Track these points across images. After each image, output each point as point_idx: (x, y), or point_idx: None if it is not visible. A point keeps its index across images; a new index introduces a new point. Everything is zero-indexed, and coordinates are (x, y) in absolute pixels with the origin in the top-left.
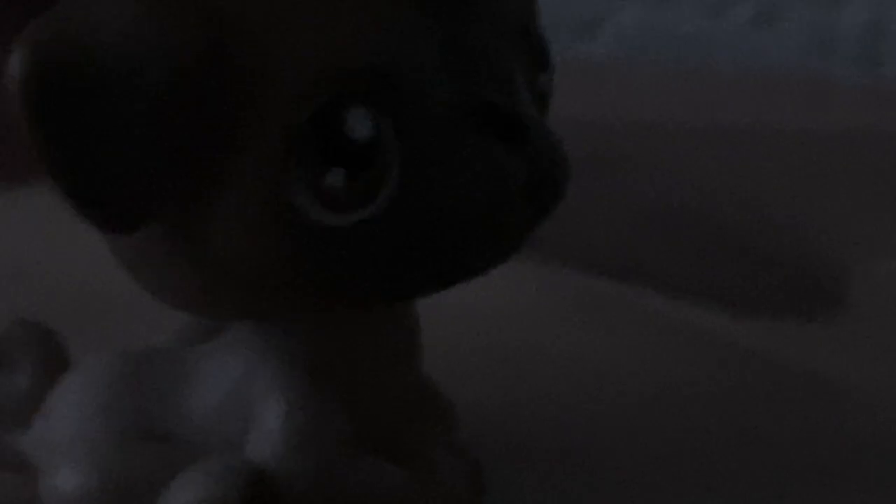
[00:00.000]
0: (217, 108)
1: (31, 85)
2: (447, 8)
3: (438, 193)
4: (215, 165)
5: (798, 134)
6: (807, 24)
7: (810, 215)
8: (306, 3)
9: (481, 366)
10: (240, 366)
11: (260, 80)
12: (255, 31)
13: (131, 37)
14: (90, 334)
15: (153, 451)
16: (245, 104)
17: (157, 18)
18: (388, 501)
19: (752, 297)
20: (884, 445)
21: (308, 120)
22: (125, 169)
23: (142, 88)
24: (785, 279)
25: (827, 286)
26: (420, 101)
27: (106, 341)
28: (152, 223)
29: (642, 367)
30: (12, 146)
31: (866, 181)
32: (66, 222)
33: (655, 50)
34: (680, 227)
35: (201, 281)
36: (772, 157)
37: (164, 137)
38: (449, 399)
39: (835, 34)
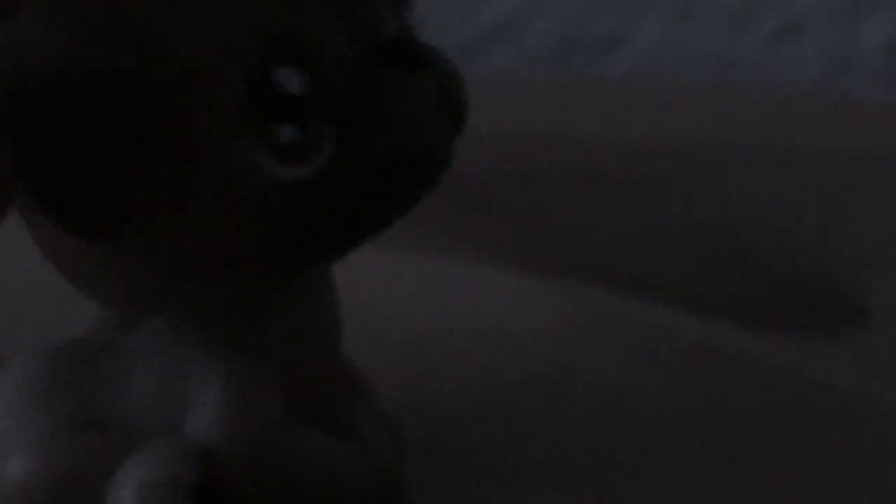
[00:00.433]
0: (160, 102)
1: None
2: None
3: (372, 128)
4: (174, 150)
5: (819, 151)
6: (828, 39)
7: (831, 232)
8: None
9: (498, 383)
10: (173, 351)
11: (191, 65)
12: (173, 23)
13: (58, 59)
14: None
15: (96, 439)
16: (184, 91)
17: (77, 41)
18: (326, 471)
19: (773, 314)
20: None
21: (246, 86)
22: (96, 176)
23: (84, 103)
24: (806, 296)
25: (848, 302)
26: (330, 55)
27: (22, 338)
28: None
29: (663, 384)
30: None
31: (888, 198)
32: None
33: (676, 67)
34: (701, 244)
35: (156, 275)
36: (793, 173)
37: (119, 141)
38: (364, 372)
39: (856, 49)
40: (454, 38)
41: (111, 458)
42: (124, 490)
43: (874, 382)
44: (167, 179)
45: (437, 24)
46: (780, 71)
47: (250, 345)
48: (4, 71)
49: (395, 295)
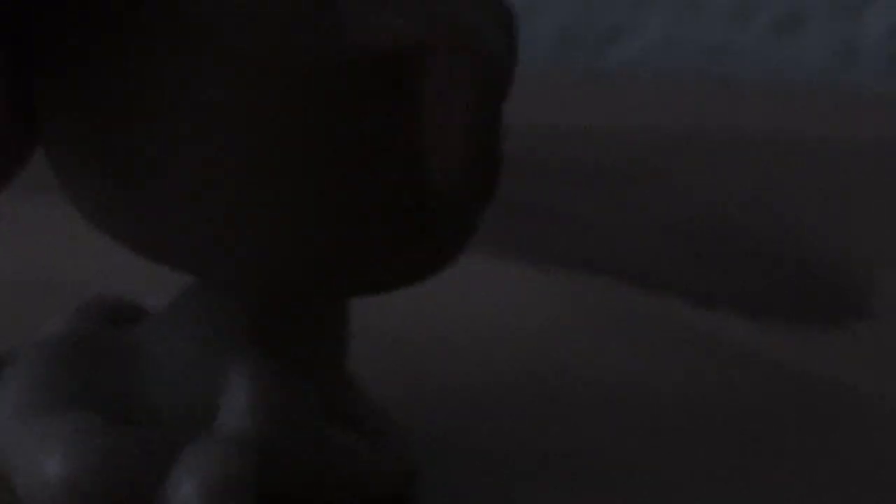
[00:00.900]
0: None
1: None
2: None
3: None
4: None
5: (822, 143)
6: (830, 30)
7: (834, 224)
8: None
9: (501, 377)
10: (196, 341)
11: None
12: None
13: None
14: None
15: (142, 433)
16: None
17: None
18: (356, 471)
19: (775, 307)
20: None
21: None
22: None
23: None
24: (809, 288)
25: (851, 295)
26: None
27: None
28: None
29: (666, 377)
30: None
31: (890, 190)
32: None
33: (678, 60)
34: (703, 237)
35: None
36: (796, 166)
37: None
38: (357, 370)
39: (859, 41)
40: None
41: (161, 453)
42: (187, 488)
43: (877, 376)
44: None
45: None
46: (782, 63)
47: (280, 339)
48: None
49: (399, 291)
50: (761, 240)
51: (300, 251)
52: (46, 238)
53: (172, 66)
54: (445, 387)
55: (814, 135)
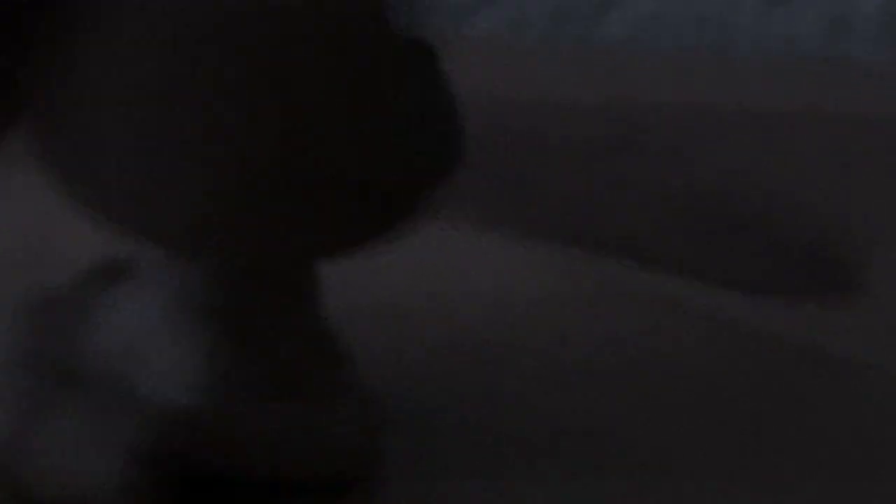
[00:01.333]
0: None
1: None
2: None
3: None
4: None
5: (818, 117)
6: (825, 3)
7: (830, 199)
8: None
9: (502, 348)
10: (152, 310)
11: None
12: None
13: None
14: None
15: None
16: None
17: None
18: (292, 441)
19: (772, 281)
20: None
21: None
22: None
23: None
24: (805, 263)
25: (847, 269)
26: None
27: None
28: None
29: (663, 350)
30: None
31: (887, 164)
32: None
33: (672, 32)
34: (700, 211)
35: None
36: (792, 140)
37: None
38: (348, 345)
39: (853, 13)
40: (446, 1)
41: (81, 420)
42: (106, 459)
43: (874, 349)
44: None
45: None
46: (777, 35)
47: (231, 310)
48: None
49: (392, 262)
50: (755, 214)
51: (251, 215)
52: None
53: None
54: (435, 358)
55: (809, 108)
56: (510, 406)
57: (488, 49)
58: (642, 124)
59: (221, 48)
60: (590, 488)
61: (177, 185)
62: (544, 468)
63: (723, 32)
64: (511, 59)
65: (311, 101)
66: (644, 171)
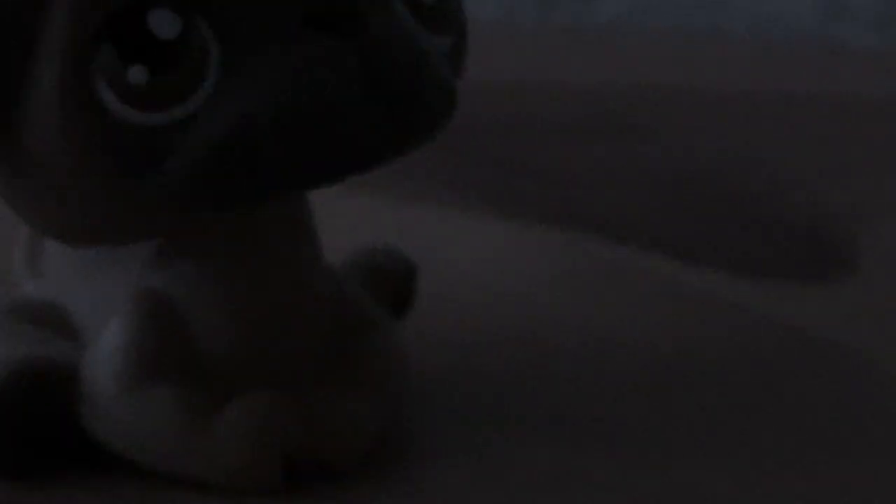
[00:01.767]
0: (14, 22)
1: None
2: None
3: (260, 91)
4: (22, 67)
5: (809, 99)
6: None
7: (821, 179)
8: None
9: (489, 331)
10: (120, 284)
11: None
12: None
13: None
14: None
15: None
16: (40, 15)
17: None
18: (162, 442)
19: (760, 262)
20: (890, 406)
21: (106, 22)
22: None
23: None
24: (795, 243)
25: (837, 250)
26: (219, 6)
27: None
28: None
29: (652, 331)
30: None
31: (875, 145)
32: None
33: (665, 14)
34: (689, 192)
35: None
36: (783, 121)
37: None
38: (376, 314)
39: None
40: None
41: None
42: None
43: (862, 328)
44: (7, 89)
45: None
46: (771, 17)
47: (195, 293)
48: None
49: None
50: (745, 194)
51: None
52: None
53: None
54: (426, 340)
55: (801, 90)
56: (501, 389)
57: (478, 33)
58: (634, 106)
59: None
60: (582, 470)
61: None
62: (535, 442)
63: (715, 14)
64: (501, 40)
65: None
66: (636, 152)
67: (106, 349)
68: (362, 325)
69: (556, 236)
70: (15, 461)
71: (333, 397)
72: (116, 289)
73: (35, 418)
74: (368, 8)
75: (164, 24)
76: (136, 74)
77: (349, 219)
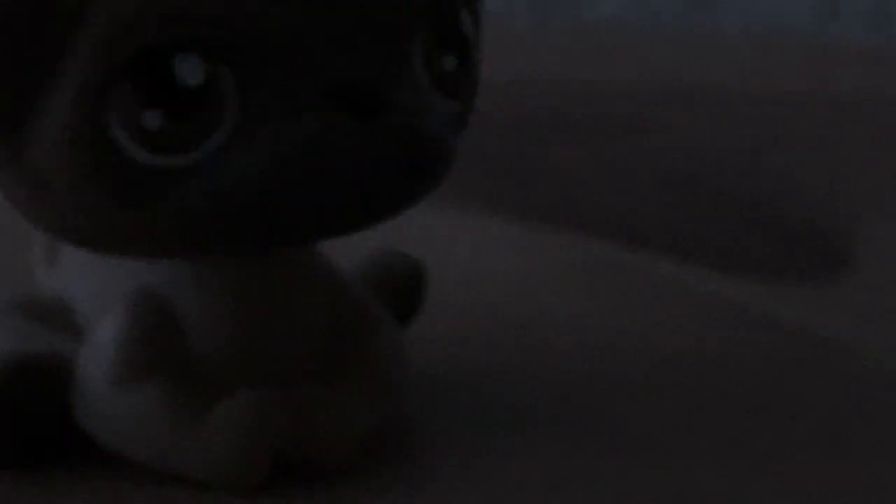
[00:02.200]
0: (38, 44)
1: None
2: None
3: (269, 153)
4: (39, 95)
5: (806, 97)
6: None
7: (816, 178)
8: None
9: (490, 330)
10: (119, 279)
11: (80, 20)
12: None
13: None
14: None
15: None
16: (66, 41)
17: None
18: (151, 437)
19: (759, 260)
20: (889, 405)
21: (131, 60)
22: None
23: None
24: (791, 242)
25: (833, 248)
26: (265, 57)
27: None
28: None
29: (651, 331)
30: None
31: (872, 144)
32: None
33: (661, 12)
34: (687, 190)
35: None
36: (778, 120)
37: None
38: (377, 314)
39: None
40: None
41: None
42: None
43: (858, 327)
44: (22, 112)
45: None
46: (767, 16)
47: (198, 294)
48: None
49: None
50: (745, 194)
51: None
52: None
53: None
54: (426, 340)
55: (797, 88)
56: (501, 389)
57: None
58: (631, 104)
59: None
60: (582, 470)
61: None
62: (532, 439)
63: (711, 13)
64: (500, 38)
65: None
66: (633, 150)
67: (98, 345)
68: (362, 325)
69: (556, 236)
70: (8, 455)
71: (325, 395)
72: (116, 284)
73: (29, 413)
74: (390, 84)
75: (190, 71)
76: (152, 118)
77: None
